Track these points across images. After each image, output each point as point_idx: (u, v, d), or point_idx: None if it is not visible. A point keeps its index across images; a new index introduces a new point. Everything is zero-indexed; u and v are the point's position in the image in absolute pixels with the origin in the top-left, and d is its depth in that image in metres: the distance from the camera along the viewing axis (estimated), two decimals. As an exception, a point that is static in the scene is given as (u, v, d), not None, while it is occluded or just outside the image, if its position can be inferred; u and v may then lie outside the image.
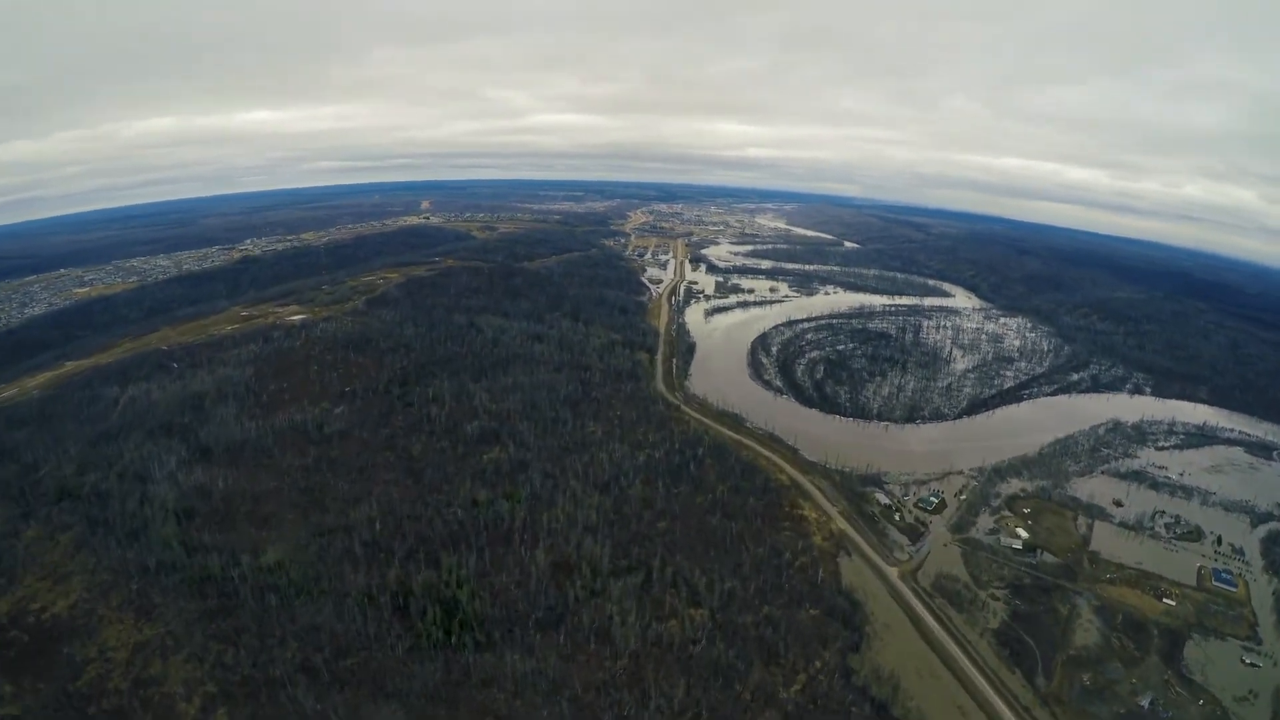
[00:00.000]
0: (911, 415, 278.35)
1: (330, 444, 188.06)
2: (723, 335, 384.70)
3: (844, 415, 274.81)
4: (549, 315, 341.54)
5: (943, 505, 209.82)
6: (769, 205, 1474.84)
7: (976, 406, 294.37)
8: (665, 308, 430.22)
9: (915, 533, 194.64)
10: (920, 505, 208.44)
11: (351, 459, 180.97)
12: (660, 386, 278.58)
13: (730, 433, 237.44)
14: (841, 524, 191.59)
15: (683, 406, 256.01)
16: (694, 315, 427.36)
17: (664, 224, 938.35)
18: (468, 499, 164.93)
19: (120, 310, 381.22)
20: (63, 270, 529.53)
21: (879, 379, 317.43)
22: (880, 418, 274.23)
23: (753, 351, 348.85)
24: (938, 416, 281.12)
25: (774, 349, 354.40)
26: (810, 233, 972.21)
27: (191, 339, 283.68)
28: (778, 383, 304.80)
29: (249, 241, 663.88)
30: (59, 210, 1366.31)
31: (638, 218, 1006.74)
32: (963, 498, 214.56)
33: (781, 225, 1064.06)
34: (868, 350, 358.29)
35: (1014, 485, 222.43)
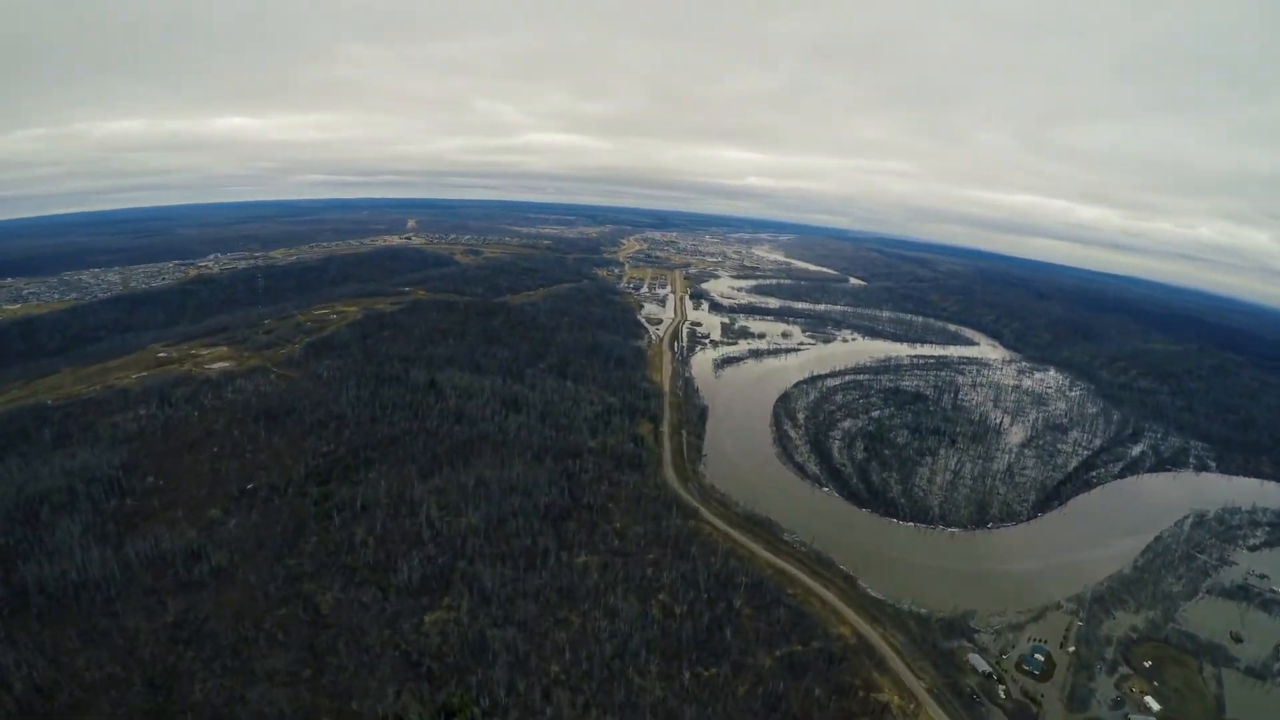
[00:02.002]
0: (981, 515, 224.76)
1: (203, 593, 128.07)
2: (737, 394, 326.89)
3: (901, 519, 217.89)
4: (530, 370, 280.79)
5: (1051, 665, 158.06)
6: (764, 236, 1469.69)
7: (1048, 499, 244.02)
8: (667, 356, 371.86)
9: (1027, 716, 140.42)
10: (1025, 668, 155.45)
11: (227, 625, 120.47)
12: (670, 476, 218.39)
13: (766, 553, 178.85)
14: (934, 712, 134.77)
15: (701, 510, 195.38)
16: (701, 366, 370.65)
17: (659, 253, 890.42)
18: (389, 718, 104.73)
19: (39, 337, 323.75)
20: (8, 280, 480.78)
21: (929, 459, 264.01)
22: (944, 519, 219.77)
23: (776, 419, 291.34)
24: (1009, 516, 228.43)
25: (800, 415, 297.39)
26: (812, 267, 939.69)
27: (85, 389, 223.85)
28: (813, 467, 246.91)
29: (212, 257, 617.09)
30: (41, 210, 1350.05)
31: (631, 245, 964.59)
32: (1072, 650, 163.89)
33: (780, 258, 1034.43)
34: (907, 418, 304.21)
35: (1122, 622, 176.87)
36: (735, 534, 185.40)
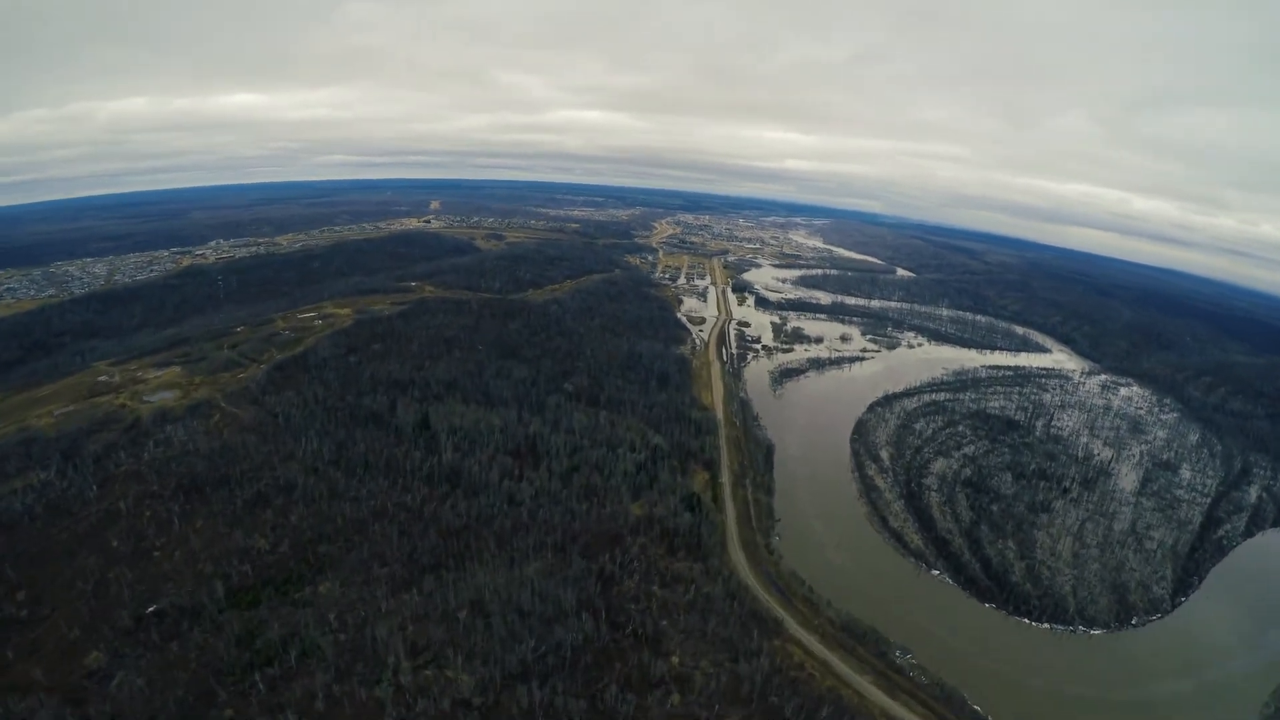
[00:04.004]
0: (1121, 605, 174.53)
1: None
2: (804, 420, 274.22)
3: (1034, 618, 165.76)
4: (554, 396, 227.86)
5: None
6: (798, 220, 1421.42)
7: (1186, 574, 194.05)
8: (716, 368, 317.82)
9: None
10: None
11: None
12: (739, 561, 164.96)
13: (879, 693, 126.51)
14: None
15: (785, 620, 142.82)
16: (757, 382, 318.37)
17: (693, 238, 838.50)
18: None
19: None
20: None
21: (1043, 516, 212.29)
22: (1082, 615, 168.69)
23: (856, 459, 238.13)
24: (1153, 606, 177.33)
25: (884, 453, 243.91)
26: (855, 255, 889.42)
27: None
28: (914, 536, 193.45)
29: (213, 244, 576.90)
30: (62, 193, 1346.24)
31: (664, 229, 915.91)
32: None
33: (820, 244, 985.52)
34: (1005, 455, 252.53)
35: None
36: (834, 660, 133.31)
